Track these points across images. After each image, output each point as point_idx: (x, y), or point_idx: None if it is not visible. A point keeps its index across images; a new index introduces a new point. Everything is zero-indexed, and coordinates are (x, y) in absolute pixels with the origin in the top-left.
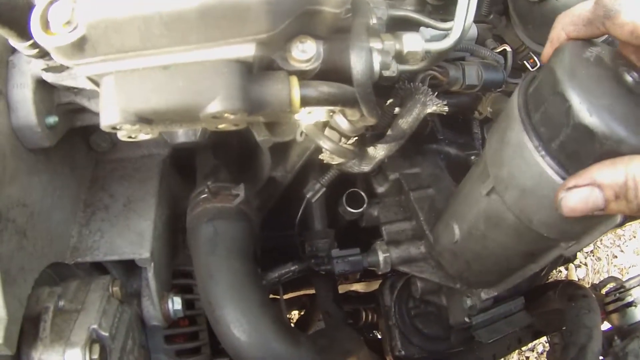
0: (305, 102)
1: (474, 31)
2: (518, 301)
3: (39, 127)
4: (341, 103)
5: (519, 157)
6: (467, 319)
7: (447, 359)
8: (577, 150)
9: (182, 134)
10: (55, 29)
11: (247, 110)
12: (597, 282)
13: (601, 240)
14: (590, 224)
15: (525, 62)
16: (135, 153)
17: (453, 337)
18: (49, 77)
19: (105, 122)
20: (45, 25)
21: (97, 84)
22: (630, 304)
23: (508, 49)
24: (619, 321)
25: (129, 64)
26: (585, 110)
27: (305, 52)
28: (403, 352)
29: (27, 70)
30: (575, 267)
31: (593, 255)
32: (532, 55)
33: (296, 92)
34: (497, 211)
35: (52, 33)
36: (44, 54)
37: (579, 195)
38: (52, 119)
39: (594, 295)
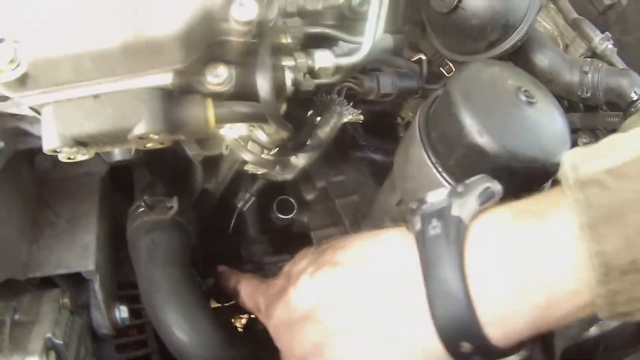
0: (220, 120)
1: (389, 42)
2: None
3: None
4: (252, 119)
5: (420, 173)
6: None
7: None
8: (472, 166)
9: (118, 153)
10: (1, 66)
11: (169, 131)
12: None
13: None
14: None
15: (441, 68)
16: (77, 172)
17: None
18: None
19: (47, 147)
20: None
21: (38, 112)
22: None
23: (423, 57)
24: None
25: (65, 94)
26: (476, 132)
27: (218, 77)
28: None
29: None
30: None
31: None
32: (447, 62)
33: (210, 112)
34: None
35: None
36: None
37: None
38: None
39: None
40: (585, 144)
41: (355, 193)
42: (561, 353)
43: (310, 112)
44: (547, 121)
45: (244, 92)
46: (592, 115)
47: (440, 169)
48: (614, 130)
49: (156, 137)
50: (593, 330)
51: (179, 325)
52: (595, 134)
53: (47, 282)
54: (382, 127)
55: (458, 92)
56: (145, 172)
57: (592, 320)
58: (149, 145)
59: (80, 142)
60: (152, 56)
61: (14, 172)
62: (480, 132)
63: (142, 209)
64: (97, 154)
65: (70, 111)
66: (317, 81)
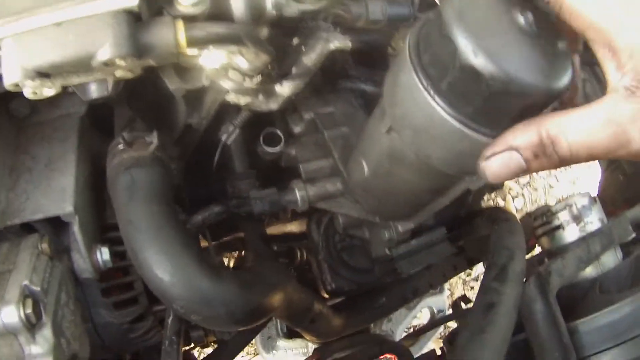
0: (193, 42)
1: None
2: (439, 232)
3: None
4: (229, 40)
5: (411, 98)
6: (387, 251)
7: (384, 289)
8: (466, 90)
9: (95, 90)
10: None
11: (135, 55)
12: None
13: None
14: None
15: None
16: (54, 114)
17: (377, 269)
18: None
19: (7, 81)
20: None
21: None
22: (557, 227)
23: None
24: (549, 244)
25: (24, 24)
26: (471, 52)
27: None
28: (333, 285)
29: None
30: (513, 198)
31: (530, 186)
32: None
33: (181, 34)
34: (397, 149)
35: None
36: None
37: (499, 161)
38: None
39: (517, 219)
40: (583, 79)
41: (344, 124)
42: (557, 292)
43: (295, 41)
44: (547, 45)
45: (219, 16)
46: (590, 51)
47: (432, 93)
48: None
49: (123, 63)
50: (589, 271)
51: (160, 264)
52: (594, 69)
53: (27, 229)
54: (372, 57)
55: (451, 11)
56: (126, 109)
57: (589, 259)
58: (118, 74)
59: (43, 74)
60: None
61: None
62: (475, 53)
63: (120, 145)
64: (74, 93)
65: (31, 41)
66: (301, 6)
